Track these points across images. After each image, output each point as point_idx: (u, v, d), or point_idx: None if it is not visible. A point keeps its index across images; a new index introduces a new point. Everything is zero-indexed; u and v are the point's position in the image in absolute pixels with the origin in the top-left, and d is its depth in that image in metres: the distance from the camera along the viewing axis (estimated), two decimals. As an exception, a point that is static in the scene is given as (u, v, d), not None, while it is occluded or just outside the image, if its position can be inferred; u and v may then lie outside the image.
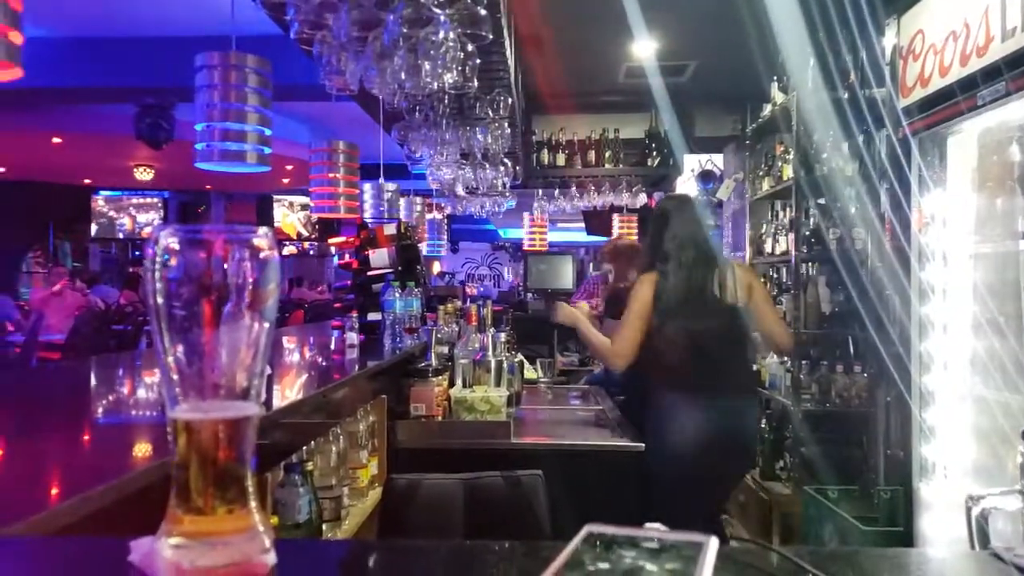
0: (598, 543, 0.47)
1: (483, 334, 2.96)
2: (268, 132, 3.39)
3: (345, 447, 2.04)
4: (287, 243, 13.19)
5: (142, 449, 1.09)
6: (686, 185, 6.19)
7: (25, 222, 11.67)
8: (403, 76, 2.32)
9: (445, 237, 11.32)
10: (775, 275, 4.41)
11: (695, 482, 2.51)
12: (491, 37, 2.37)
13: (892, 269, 2.92)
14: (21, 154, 9.82)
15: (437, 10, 2.20)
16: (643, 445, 2.50)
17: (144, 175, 10.84)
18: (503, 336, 3.14)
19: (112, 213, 12.36)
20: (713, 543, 0.48)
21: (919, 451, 2.80)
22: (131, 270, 11.41)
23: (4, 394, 1.71)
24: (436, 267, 13.27)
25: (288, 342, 3.04)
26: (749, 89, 4.66)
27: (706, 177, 5.97)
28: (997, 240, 2.56)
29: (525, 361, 3.84)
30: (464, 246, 16.99)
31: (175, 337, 0.48)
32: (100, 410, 1.56)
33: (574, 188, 6.40)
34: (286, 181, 11.63)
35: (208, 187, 12.65)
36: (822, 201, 3.74)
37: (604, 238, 9.06)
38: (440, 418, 2.58)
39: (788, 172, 4.02)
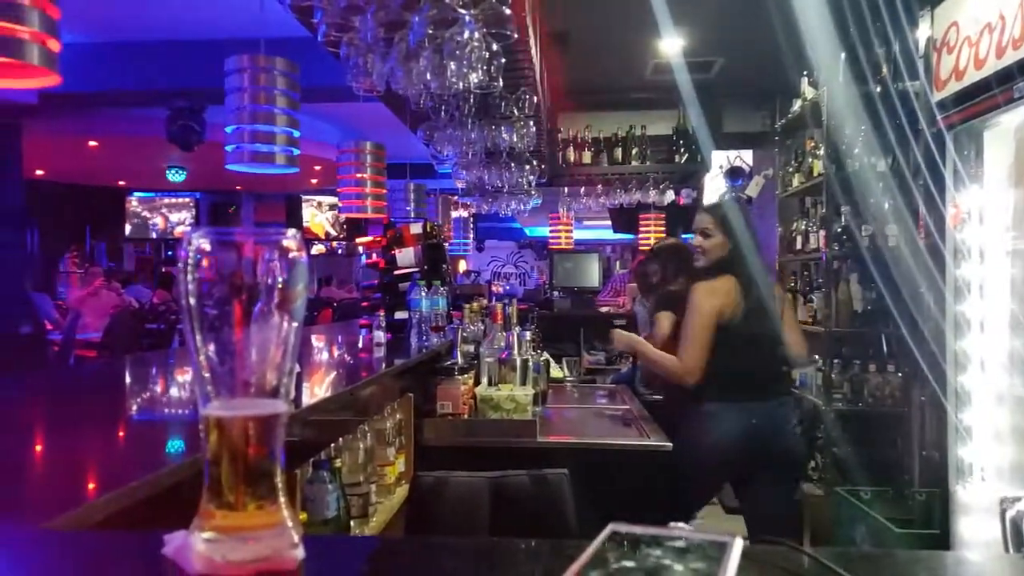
0: (623, 542, 0.48)
1: (509, 332, 2.96)
2: (296, 134, 3.43)
3: (372, 444, 2.06)
4: (316, 243, 13.31)
5: (175, 445, 1.11)
6: (714, 182, 6.13)
7: (63, 223, 11.97)
8: (428, 76, 2.33)
9: (471, 236, 11.36)
10: (805, 272, 4.36)
11: (735, 484, 2.54)
12: (516, 36, 2.37)
13: (926, 266, 2.87)
14: (59, 157, 10.05)
15: (462, 10, 2.20)
16: (671, 445, 2.48)
17: (176, 176, 11.03)
18: (529, 334, 3.14)
19: (145, 213, 12.60)
20: (738, 543, 0.48)
21: (955, 452, 2.75)
22: (164, 270, 11.62)
23: (44, 392, 1.75)
24: (462, 265, 13.30)
25: (317, 341, 3.08)
26: (778, 84, 4.61)
27: (735, 174, 5.91)
28: (1036, 236, 2.51)
29: (551, 359, 3.84)
30: (490, 244, 17.00)
31: (207, 336, 0.49)
32: (135, 407, 1.60)
33: (600, 186, 6.36)
34: (315, 181, 11.74)
35: (238, 188, 12.82)
36: (854, 197, 3.68)
37: (631, 236, 9.01)
38: (466, 416, 2.60)
39: (819, 168, 3.96)
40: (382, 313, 2.82)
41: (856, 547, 3.02)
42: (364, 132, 7.49)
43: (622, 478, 2.40)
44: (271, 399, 0.51)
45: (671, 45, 4.82)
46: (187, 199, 12.66)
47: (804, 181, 4.24)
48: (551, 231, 9.85)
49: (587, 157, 6.04)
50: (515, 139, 3.76)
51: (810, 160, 4.15)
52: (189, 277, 0.49)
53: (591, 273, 6.88)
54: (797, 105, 4.32)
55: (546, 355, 3.47)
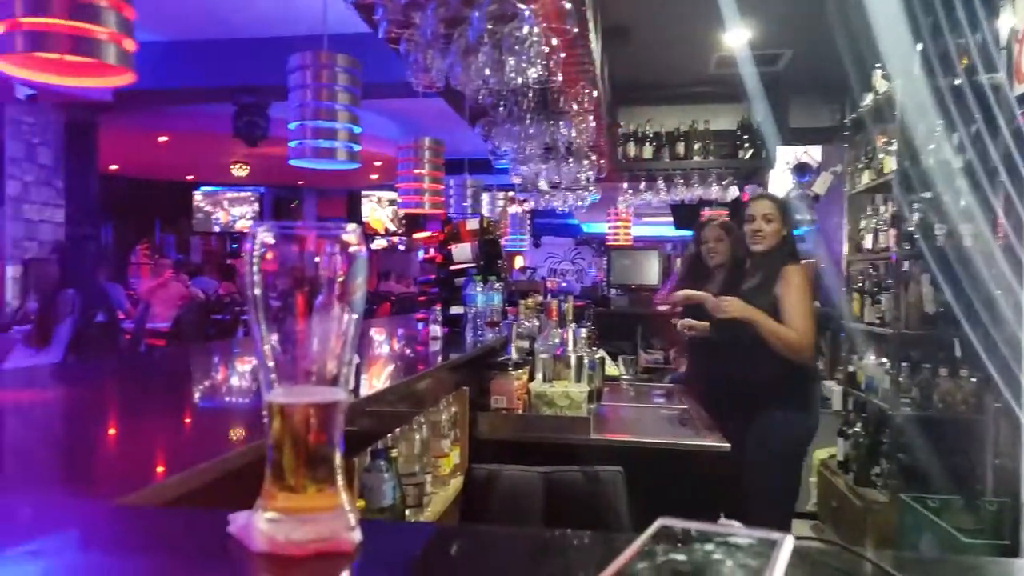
0: (672, 536, 0.48)
1: (564, 329, 2.96)
2: (358, 130, 3.49)
3: (428, 436, 2.09)
4: (376, 237, 13.53)
5: (240, 430, 1.15)
6: (780, 178, 5.97)
7: (134, 217, 12.51)
8: (487, 72, 2.34)
9: (528, 231, 11.35)
10: (873, 272, 4.21)
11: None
12: (576, 30, 2.36)
13: (1002, 269, 2.74)
14: (132, 153, 10.49)
15: (521, 5, 2.21)
16: (728, 446, 2.44)
17: (240, 171, 11.37)
18: (584, 331, 3.13)
19: (208, 208, 13.01)
20: (789, 541, 0.47)
21: (1029, 462, 2.62)
22: (228, 262, 12.01)
23: (119, 378, 1.84)
24: (519, 261, 13.31)
25: (376, 333, 3.14)
26: (848, 78, 4.45)
27: (802, 170, 5.75)
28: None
29: (607, 357, 3.81)
30: (547, 240, 16.98)
31: (271, 326, 0.51)
32: (202, 393, 1.67)
33: (661, 181, 6.27)
34: (375, 177, 11.94)
35: (300, 183, 13.15)
36: (927, 195, 3.54)
37: (692, 233, 8.84)
38: (520, 411, 2.61)
39: (890, 164, 3.82)
40: (438, 307, 2.85)
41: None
42: (423, 128, 7.58)
43: (678, 477, 2.37)
44: (331, 387, 0.53)
45: (737, 37, 4.72)
46: (250, 193, 13.04)
47: (874, 178, 4.09)
48: (609, 227, 9.76)
49: (648, 152, 5.97)
50: (574, 134, 3.75)
51: (881, 156, 4.01)
52: (254, 269, 0.51)
53: (650, 270, 6.80)
54: (868, 99, 4.17)
55: (601, 352, 3.45)
